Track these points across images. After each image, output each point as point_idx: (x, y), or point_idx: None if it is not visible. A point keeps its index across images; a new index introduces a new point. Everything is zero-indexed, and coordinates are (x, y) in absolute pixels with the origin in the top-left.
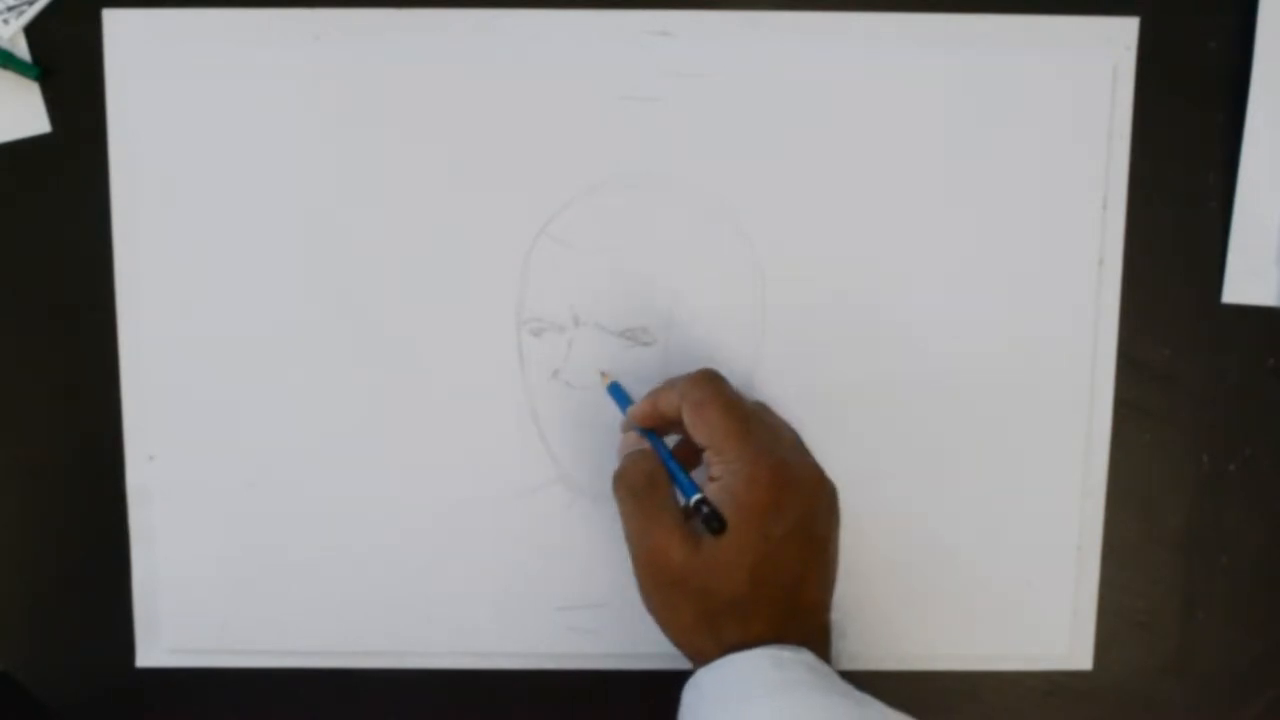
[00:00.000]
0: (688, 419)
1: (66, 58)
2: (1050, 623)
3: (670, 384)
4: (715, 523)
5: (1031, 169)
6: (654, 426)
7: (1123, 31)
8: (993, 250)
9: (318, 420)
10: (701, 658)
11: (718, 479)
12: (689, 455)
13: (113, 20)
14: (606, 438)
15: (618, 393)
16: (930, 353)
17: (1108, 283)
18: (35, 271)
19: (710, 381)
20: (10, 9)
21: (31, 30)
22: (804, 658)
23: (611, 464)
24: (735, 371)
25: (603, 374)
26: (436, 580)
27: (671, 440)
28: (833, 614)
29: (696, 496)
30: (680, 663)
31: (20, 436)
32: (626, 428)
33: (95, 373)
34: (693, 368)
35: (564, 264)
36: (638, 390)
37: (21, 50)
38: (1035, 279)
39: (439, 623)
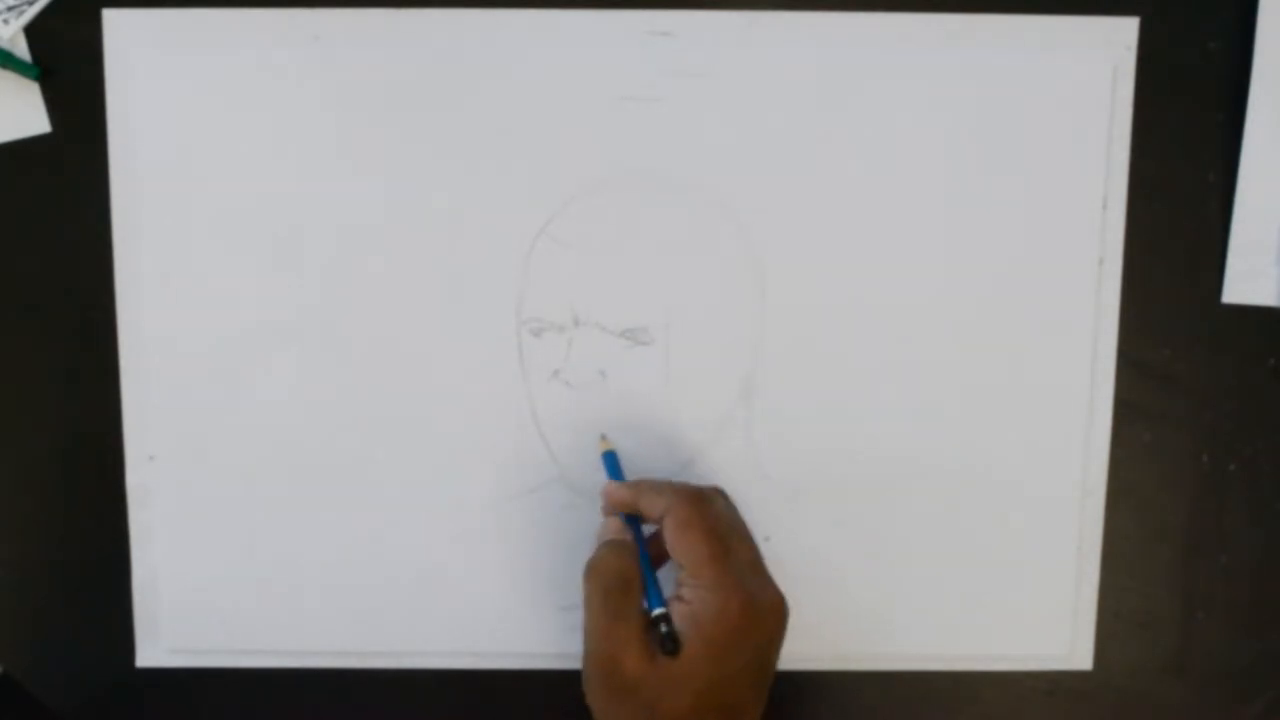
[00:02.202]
0: (669, 534)
1: (66, 58)
2: (1050, 623)
3: (658, 489)
4: (670, 644)
5: (1031, 169)
6: (628, 514)
7: (1123, 31)
8: (993, 250)
9: (317, 421)
10: None
11: (688, 602)
12: (663, 550)
13: (113, 20)
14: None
15: (612, 463)
16: (930, 353)
17: (1108, 283)
18: (35, 271)
19: (697, 503)
20: (10, 9)
21: (31, 30)
22: None
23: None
24: (735, 371)
25: (603, 437)
26: (436, 580)
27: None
28: (832, 612)
29: (659, 611)
30: None
31: (20, 437)
32: (607, 511)
33: (95, 373)
34: (693, 368)
35: (564, 264)
36: (637, 392)
37: (21, 50)
38: (1035, 279)
39: (439, 623)
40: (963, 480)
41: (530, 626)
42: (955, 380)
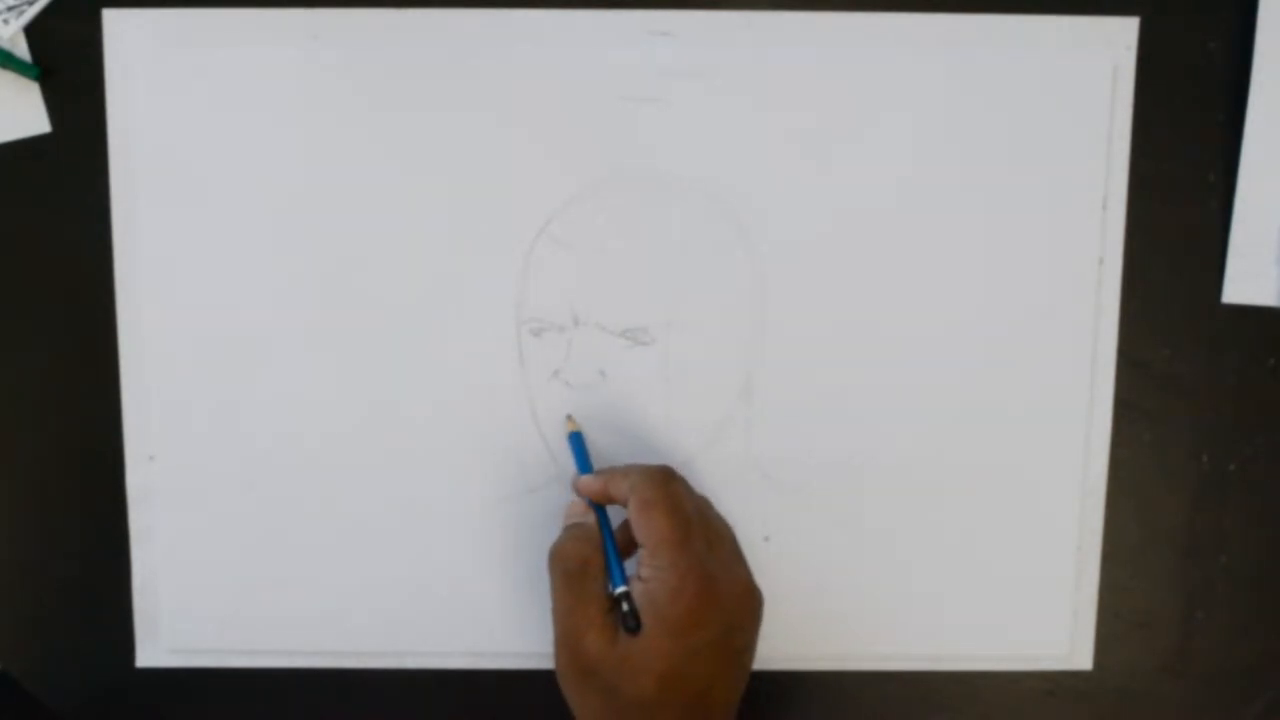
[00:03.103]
0: (633, 515)
1: (66, 58)
2: (1050, 623)
3: (626, 472)
4: (631, 621)
5: (1031, 169)
6: (601, 504)
7: (1123, 31)
8: (993, 250)
9: (317, 420)
10: None
11: (646, 581)
12: (632, 539)
13: (113, 20)
14: (605, 437)
15: (577, 444)
16: (930, 352)
17: (1108, 282)
18: (35, 271)
19: (663, 483)
20: (10, 9)
21: (31, 30)
22: None
23: (609, 463)
24: (735, 371)
25: (569, 418)
26: (437, 580)
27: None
28: (832, 612)
29: (620, 589)
30: None
31: (20, 437)
32: (576, 491)
33: (95, 373)
34: (692, 368)
35: (564, 264)
36: (637, 392)
37: (21, 50)
38: (1035, 279)
39: (439, 623)
40: (962, 480)
41: (529, 626)
42: (955, 380)
